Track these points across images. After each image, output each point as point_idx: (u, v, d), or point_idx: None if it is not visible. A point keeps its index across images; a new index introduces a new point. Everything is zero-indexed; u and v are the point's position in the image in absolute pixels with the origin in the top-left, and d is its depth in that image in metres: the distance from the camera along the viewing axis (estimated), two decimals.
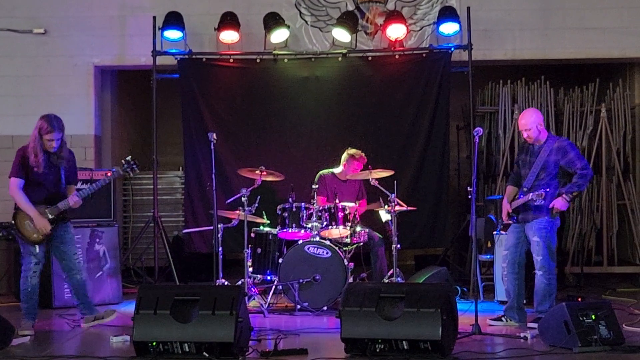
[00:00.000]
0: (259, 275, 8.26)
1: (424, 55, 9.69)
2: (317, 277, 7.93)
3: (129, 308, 7.47)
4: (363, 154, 8.80)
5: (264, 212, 8.51)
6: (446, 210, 9.75)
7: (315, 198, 8.21)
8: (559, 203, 6.98)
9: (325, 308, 7.89)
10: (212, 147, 8.09)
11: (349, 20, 9.51)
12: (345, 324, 5.93)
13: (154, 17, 9.49)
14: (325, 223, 8.15)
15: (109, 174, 7.48)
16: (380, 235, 8.67)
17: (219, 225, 8.12)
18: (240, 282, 8.00)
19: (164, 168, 10.66)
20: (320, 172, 8.89)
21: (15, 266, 7.19)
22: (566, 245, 10.05)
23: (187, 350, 5.86)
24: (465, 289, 8.59)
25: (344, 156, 8.84)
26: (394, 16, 9.55)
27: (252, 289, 8.09)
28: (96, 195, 7.86)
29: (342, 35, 9.54)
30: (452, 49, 9.57)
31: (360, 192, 8.91)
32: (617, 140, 10.24)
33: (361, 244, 8.41)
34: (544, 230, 7.05)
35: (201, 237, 9.49)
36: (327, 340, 6.61)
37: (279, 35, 9.52)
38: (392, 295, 5.97)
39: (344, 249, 8.22)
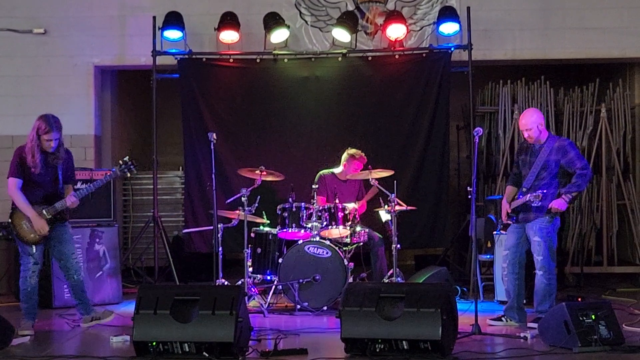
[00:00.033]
0: (258, 275, 8.26)
1: (424, 55, 9.69)
2: (317, 277, 7.93)
3: (129, 308, 7.47)
4: (363, 154, 8.80)
5: (264, 212, 8.51)
6: (446, 210, 9.75)
7: (315, 198, 8.21)
8: (558, 203, 6.99)
9: (325, 308, 7.89)
10: (212, 147, 8.09)
11: (349, 20, 9.51)
12: (345, 324, 5.93)
13: (154, 17, 9.49)
14: (325, 223, 8.15)
15: (107, 174, 7.48)
16: (380, 235, 8.67)
17: (219, 225, 8.12)
18: (240, 282, 8.00)
19: (164, 168, 10.66)
20: (320, 172, 8.89)
21: (15, 266, 7.19)
22: (566, 245, 10.05)
23: (187, 350, 5.86)
24: (465, 289, 8.59)
25: (344, 156, 8.84)
26: (394, 16, 9.55)
27: (252, 288, 8.09)
28: (96, 195, 7.87)
29: (342, 35, 9.54)
30: (452, 49, 9.57)
31: (360, 192, 8.91)
32: (617, 140, 10.24)
33: (361, 243, 8.41)
34: (545, 230, 7.05)
35: (201, 237, 9.49)
36: (327, 340, 6.61)
37: (279, 35, 9.52)
38: (392, 295, 5.97)
39: (344, 248, 8.22)
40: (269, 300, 8.04)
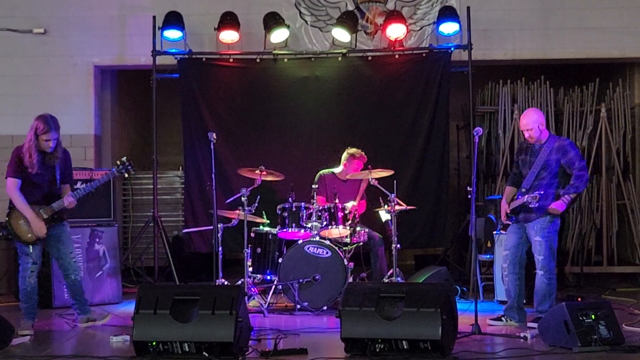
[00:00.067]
0: (258, 275, 8.26)
1: (423, 55, 9.69)
2: (317, 277, 7.93)
3: (129, 308, 7.47)
4: (363, 153, 8.80)
5: (263, 211, 8.51)
6: (446, 210, 9.75)
7: (315, 198, 8.21)
8: (557, 204, 6.99)
9: (325, 308, 7.89)
10: (212, 146, 8.09)
11: (348, 20, 9.51)
12: (345, 324, 5.93)
13: (154, 17, 9.49)
14: (325, 223, 8.15)
15: (105, 174, 7.46)
16: (380, 235, 8.67)
17: (219, 225, 8.12)
18: (240, 282, 8.00)
19: (163, 168, 10.66)
20: (321, 171, 8.89)
21: (15, 266, 7.19)
22: (566, 245, 10.05)
23: (187, 350, 5.87)
24: (465, 289, 8.59)
25: (344, 155, 8.84)
26: (394, 16, 9.55)
27: (252, 288, 8.09)
28: (96, 195, 7.87)
29: (342, 35, 9.54)
30: (452, 49, 9.57)
31: (361, 192, 8.90)
32: (617, 140, 10.24)
33: (361, 243, 8.41)
34: (547, 230, 7.06)
35: (201, 236, 9.49)
36: (327, 340, 6.61)
37: (278, 35, 9.52)
38: (392, 295, 5.97)
39: (344, 248, 8.22)
40: (268, 300, 8.04)
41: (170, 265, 9.31)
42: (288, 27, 9.56)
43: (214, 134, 8.16)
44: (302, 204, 8.18)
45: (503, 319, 7.25)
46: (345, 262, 7.98)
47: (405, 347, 5.82)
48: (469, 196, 7.28)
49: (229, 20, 9.48)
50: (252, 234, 8.33)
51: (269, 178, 8.47)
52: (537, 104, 10.19)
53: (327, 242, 8.05)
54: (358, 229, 8.29)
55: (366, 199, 8.90)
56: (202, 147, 9.36)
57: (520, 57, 9.95)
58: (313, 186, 8.35)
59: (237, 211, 8.17)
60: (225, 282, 8.01)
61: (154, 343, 5.88)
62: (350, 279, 7.98)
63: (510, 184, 7.38)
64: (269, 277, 8.23)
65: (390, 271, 8.22)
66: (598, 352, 5.95)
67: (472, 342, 6.47)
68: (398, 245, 8.11)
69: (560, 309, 6.19)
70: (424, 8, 9.84)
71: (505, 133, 10.29)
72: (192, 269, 9.75)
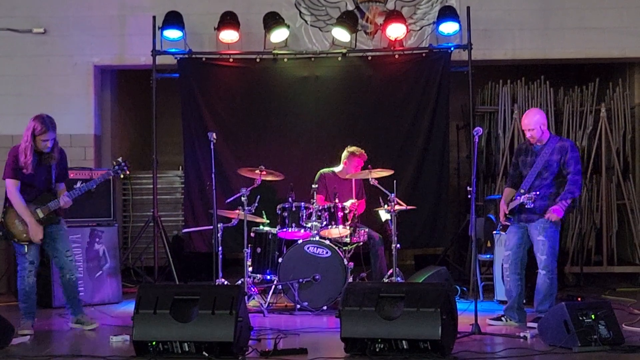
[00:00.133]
0: (258, 275, 8.26)
1: (423, 55, 9.69)
2: (317, 277, 7.93)
3: (129, 308, 7.47)
4: (363, 151, 8.80)
5: (263, 211, 8.51)
6: (446, 210, 9.76)
7: (315, 197, 8.21)
8: (556, 210, 6.98)
9: (325, 308, 7.89)
10: (212, 146, 8.10)
11: (348, 19, 9.50)
12: (345, 324, 5.93)
13: (154, 17, 9.49)
14: (324, 222, 8.15)
15: (101, 174, 7.44)
16: (380, 235, 8.67)
17: (219, 225, 8.12)
18: (240, 282, 8.00)
19: (163, 167, 10.66)
20: (321, 170, 8.89)
21: (15, 265, 7.18)
22: (566, 244, 10.05)
23: (187, 349, 5.87)
24: (465, 289, 8.59)
25: (345, 154, 8.84)
26: (394, 16, 9.55)
27: (252, 288, 8.09)
28: (96, 195, 7.87)
29: (341, 34, 9.54)
30: (452, 49, 9.57)
31: (360, 191, 8.91)
32: (617, 140, 10.24)
33: (361, 243, 8.41)
34: (550, 230, 7.06)
35: (201, 236, 9.49)
36: (327, 339, 6.61)
37: (278, 35, 9.52)
38: (392, 295, 5.97)
39: (344, 248, 8.22)
40: (268, 299, 8.04)
41: (170, 265, 9.31)
42: (288, 27, 9.55)
43: (214, 134, 8.17)
44: (302, 203, 8.18)
45: (503, 318, 7.25)
46: (345, 262, 7.98)
47: (405, 347, 5.82)
48: (469, 196, 7.28)
49: (228, 20, 9.48)
50: (252, 234, 8.33)
51: (269, 178, 8.47)
52: (537, 104, 10.18)
53: (327, 242, 8.05)
54: (358, 228, 8.29)
55: (365, 198, 8.90)
56: (202, 147, 9.36)
57: (520, 57, 9.95)
58: (313, 186, 8.36)
59: (237, 211, 8.17)
60: (225, 282, 8.01)
61: (154, 343, 5.88)
62: (350, 279, 7.98)
63: (510, 185, 7.38)
64: (268, 277, 8.23)
65: (390, 271, 8.22)
66: (598, 352, 5.95)
67: (472, 342, 6.47)
68: (398, 245, 8.11)
69: (560, 309, 6.19)
70: (423, 8, 9.84)
71: (505, 133, 10.29)
72: (192, 268, 9.75)
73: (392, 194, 8.06)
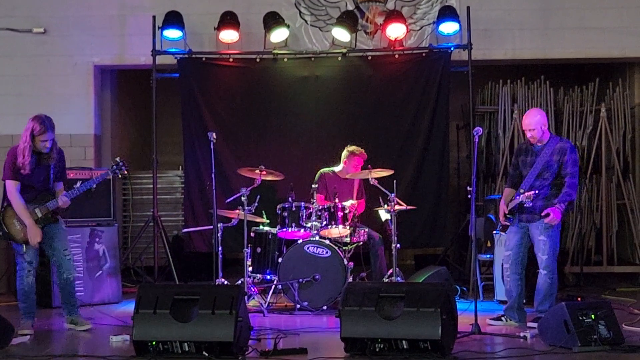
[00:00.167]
0: (258, 275, 8.26)
1: (423, 54, 9.69)
2: (317, 277, 7.93)
3: (129, 307, 7.47)
4: (363, 150, 8.80)
5: (263, 211, 8.51)
6: (446, 210, 9.76)
7: (315, 196, 8.21)
8: (554, 212, 6.98)
9: (324, 307, 7.89)
10: (212, 146, 8.10)
11: (348, 19, 9.50)
12: (344, 324, 5.93)
13: (154, 17, 9.49)
14: (324, 222, 8.15)
15: (99, 174, 7.43)
16: (379, 235, 8.67)
17: (219, 225, 8.12)
18: (239, 282, 8.01)
19: (163, 167, 10.66)
20: (321, 170, 8.89)
21: (15, 265, 7.19)
22: (566, 244, 10.05)
23: (187, 349, 5.87)
24: (464, 289, 8.59)
25: (344, 153, 8.84)
26: (394, 16, 9.55)
27: (252, 288, 8.09)
28: (96, 195, 7.86)
29: (341, 34, 9.54)
30: (452, 49, 9.57)
31: (360, 191, 8.91)
32: (617, 140, 10.24)
33: (361, 243, 8.41)
34: (551, 230, 7.06)
35: (201, 236, 9.49)
36: (327, 339, 6.61)
37: (278, 35, 9.52)
38: (392, 295, 5.97)
39: (344, 248, 8.22)
40: (268, 299, 8.04)
41: (170, 264, 9.31)
42: (288, 26, 9.55)
43: (214, 134, 8.17)
44: (302, 203, 8.18)
45: (503, 318, 7.25)
46: (345, 262, 7.98)
47: (405, 346, 5.82)
48: (469, 196, 7.28)
49: (228, 19, 9.47)
50: (252, 234, 8.33)
51: (269, 178, 8.47)
52: (537, 104, 10.18)
53: (327, 242, 8.05)
54: (358, 228, 8.29)
55: (365, 198, 8.90)
56: (202, 147, 9.36)
57: (520, 57, 9.95)
58: (313, 186, 8.36)
59: (237, 211, 8.17)
60: (225, 282, 8.01)
61: (154, 343, 5.88)
62: (350, 279, 7.98)
63: (509, 185, 7.38)
64: (268, 277, 8.23)
65: (390, 271, 8.22)
66: (598, 351, 5.95)
67: (471, 341, 6.47)
68: (398, 245, 8.11)
69: (560, 309, 6.19)
70: (423, 8, 9.84)
71: (505, 133, 10.29)
72: (192, 268, 9.75)
73: (392, 194, 8.06)
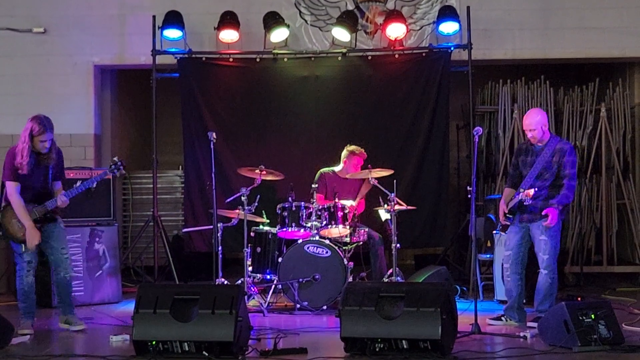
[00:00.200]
0: (258, 275, 8.26)
1: (423, 54, 9.69)
2: (317, 277, 7.93)
3: (129, 307, 7.47)
4: (363, 150, 8.80)
5: (263, 211, 8.51)
6: (446, 210, 9.75)
7: (315, 196, 8.21)
8: (553, 214, 6.98)
9: (324, 307, 7.89)
10: (212, 146, 8.10)
11: (348, 19, 9.50)
12: (344, 323, 5.93)
13: (154, 16, 9.49)
14: (324, 222, 8.15)
15: (98, 174, 7.43)
16: (379, 235, 8.66)
17: (219, 225, 8.12)
18: (239, 282, 8.01)
19: (163, 167, 10.66)
20: (321, 170, 8.89)
21: (15, 265, 7.18)
22: (566, 244, 10.04)
23: (187, 349, 5.87)
24: (464, 289, 8.59)
25: (344, 153, 8.84)
26: (394, 15, 9.55)
27: (252, 288, 8.09)
28: (96, 195, 7.86)
29: (341, 34, 9.54)
30: (452, 49, 9.57)
31: (360, 190, 8.90)
32: (617, 139, 10.24)
33: (361, 243, 8.41)
34: (552, 229, 7.06)
35: (201, 236, 9.49)
36: (327, 339, 6.61)
37: (278, 35, 9.52)
38: (392, 295, 5.97)
39: (344, 248, 8.22)
40: (268, 299, 8.04)
41: (170, 264, 9.31)
42: (288, 26, 9.55)
43: (214, 134, 8.17)
44: (302, 203, 8.18)
45: (503, 318, 7.26)
46: (345, 262, 7.98)
47: (405, 346, 5.82)
48: (469, 196, 7.28)
49: (228, 19, 9.47)
50: (252, 234, 8.33)
51: (269, 177, 8.47)
52: (537, 104, 10.18)
53: (327, 242, 8.05)
54: (358, 228, 8.29)
55: (365, 198, 8.89)
56: (202, 147, 9.36)
57: (520, 57, 9.95)
58: (313, 185, 8.36)
59: (237, 210, 8.17)
60: (225, 282, 8.01)
61: (154, 342, 5.88)
62: (350, 279, 7.98)
63: (509, 185, 7.38)
64: (268, 277, 8.23)
65: (390, 271, 8.22)
66: (598, 351, 5.95)
67: (471, 341, 6.47)
68: (398, 245, 8.11)
69: (560, 309, 6.19)
70: (423, 7, 9.84)
71: (505, 133, 10.29)
72: (192, 268, 9.75)
73: (392, 194, 8.06)
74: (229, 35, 9.58)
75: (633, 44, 9.79)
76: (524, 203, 7.01)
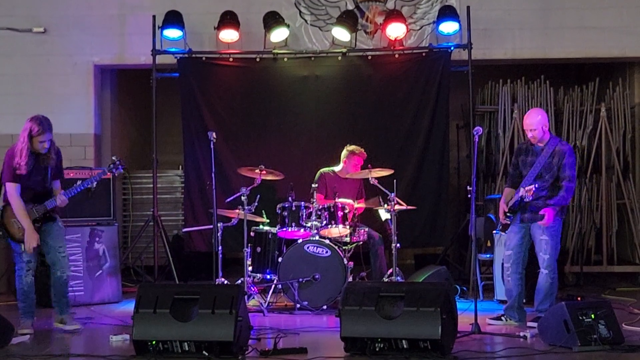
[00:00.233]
0: (258, 274, 8.26)
1: (423, 54, 9.69)
2: (317, 276, 7.93)
3: (129, 307, 7.47)
4: (363, 150, 8.80)
5: (263, 211, 8.52)
6: (446, 210, 9.76)
7: (315, 196, 8.21)
8: (548, 214, 6.98)
9: (324, 307, 7.89)
10: (212, 146, 8.10)
11: (348, 19, 9.50)
12: (344, 323, 5.93)
13: (154, 16, 9.49)
14: (324, 222, 8.15)
15: (97, 174, 7.43)
16: (379, 234, 8.67)
17: (219, 224, 8.12)
18: (239, 281, 8.01)
19: (163, 167, 10.66)
20: (321, 170, 8.90)
21: (15, 265, 7.18)
22: (566, 244, 10.04)
23: (187, 349, 5.87)
24: (464, 288, 8.59)
25: (344, 153, 8.84)
26: (394, 15, 9.55)
27: (252, 288, 8.09)
28: (96, 195, 7.85)
29: (341, 34, 9.54)
30: (452, 48, 9.57)
31: (360, 191, 8.91)
32: (617, 139, 10.24)
33: (361, 242, 8.42)
34: (553, 229, 7.07)
35: (201, 236, 9.49)
36: (327, 339, 6.61)
37: (278, 34, 9.52)
38: (392, 295, 5.97)
39: (344, 248, 8.22)
40: (268, 299, 8.04)
41: (170, 264, 9.31)
42: (288, 26, 9.55)
43: (214, 133, 8.18)
44: (302, 203, 8.19)
45: (503, 318, 7.26)
46: (345, 262, 7.98)
47: (405, 346, 5.82)
48: (469, 195, 7.28)
49: (228, 19, 9.48)
50: (252, 233, 8.33)
51: (269, 177, 8.47)
52: (537, 104, 10.18)
53: (327, 242, 8.05)
54: (358, 228, 8.29)
55: (365, 198, 8.89)
56: (202, 146, 9.36)
57: (520, 57, 9.95)
58: (313, 185, 8.36)
59: (237, 210, 8.17)
60: (225, 281, 8.01)
61: (154, 342, 5.88)
62: (350, 278, 7.98)
63: (509, 185, 7.38)
64: (268, 277, 8.23)
65: (390, 270, 8.23)
66: (598, 351, 5.95)
67: (471, 341, 6.47)
68: (398, 245, 8.11)
69: (560, 309, 6.19)
70: (423, 7, 9.84)
71: (505, 132, 10.28)
72: (192, 268, 9.75)
73: (392, 194, 8.06)
74: (229, 35, 9.58)
75: (633, 44, 9.79)
76: (525, 200, 7.00)
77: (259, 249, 8.29)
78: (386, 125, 9.67)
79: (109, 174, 7.52)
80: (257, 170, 8.28)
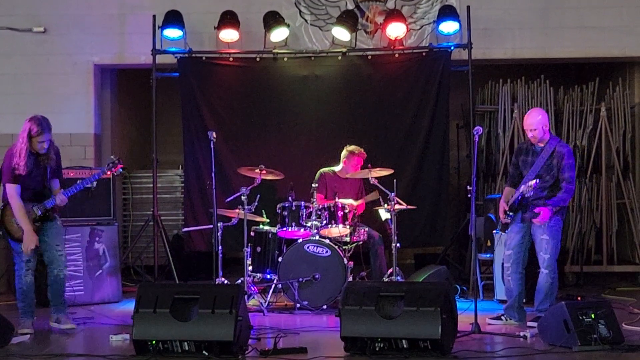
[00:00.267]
0: (258, 274, 8.26)
1: (423, 54, 9.69)
2: (317, 276, 7.93)
3: (129, 307, 7.47)
4: (362, 150, 8.81)
5: (263, 210, 8.52)
6: (446, 209, 9.76)
7: (315, 196, 8.21)
8: (544, 212, 6.98)
9: (324, 307, 7.89)
10: (212, 145, 8.10)
11: (348, 19, 9.50)
12: (344, 323, 5.93)
13: (154, 16, 9.49)
14: (324, 222, 8.15)
15: (96, 173, 7.43)
16: (379, 234, 8.67)
17: (219, 224, 8.12)
18: (239, 281, 8.01)
19: (163, 166, 10.66)
20: (321, 170, 8.90)
21: (14, 264, 7.19)
22: (566, 244, 10.05)
23: (187, 348, 5.87)
24: (464, 288, 8.59)
25: (344, 153, 8.84)
26: (394, 15, 9.55)
27: (252, 287, 8.09)
28: (96, 194, 7.87)
29: (341, 34, 9.54)
30: (452, 48, 9.57)
31: (360, 190, 8.91)
32: (617, 139, 10.24)
33: (361, 242, 8.42)
34: (554, 229, 7.07)
35: (201, 235, 9.50)
36: (327, 339, 6.61)
37: (278, 34, 9.52)
38: (392, 294, 5.97)
39: (344, 247, 8.22)
40: (268, 299, 8.04)
41: (170, 264, 9.31)
42: (288, 26, 9.55)
43: (214, 133, 8.18)
44: (302, 202, 8.19)
45: (503, 318, 7.26)
46: (345, 261, 7.98)
47: (405, 346, 5.82)
48: (469, 195, 7.28)
49: (228, 19, 9.48)
50: (252, 233, 8.33)
51: (269, 177, 8.47)
52: (537, 103, 10.18)
53: (327, 241, 8.05)
54: (358, 227, 8.29)
55: (365, 197, 8.90)
56: (202, 146, 9.36)
57: (520, 56, 9.95)
58: (313, 185, 8.36)
59: (237, 210, 8.17)
60: (225, 281, 8.01)
61: (154, 342, 5.88)
62: (350, 278, 7.98)
63: (509, 185, 7.38)
64: (268, 276, 8.23)
65: (390, 270, 8.23)
66: (598, 351, 5.95)
67: (471, 341, 6.47)
68: (398, 244, 8.11)
69: (559, 308, 6.19)
70: (423, 7, 9.84)
71: (505, 132, 10.29)
72: (192, 267, 9.75)
73: (392, 193, 8.06)
74: (229, 35, 9.58)
75: (633, 44, 9.79)
76: (525, 196, 6.99)
77: (259, 249, 8.29)
78: (386, 125, 9.67)
79: (108, 173, 7.52)
80: (257, 170, 8.28)
